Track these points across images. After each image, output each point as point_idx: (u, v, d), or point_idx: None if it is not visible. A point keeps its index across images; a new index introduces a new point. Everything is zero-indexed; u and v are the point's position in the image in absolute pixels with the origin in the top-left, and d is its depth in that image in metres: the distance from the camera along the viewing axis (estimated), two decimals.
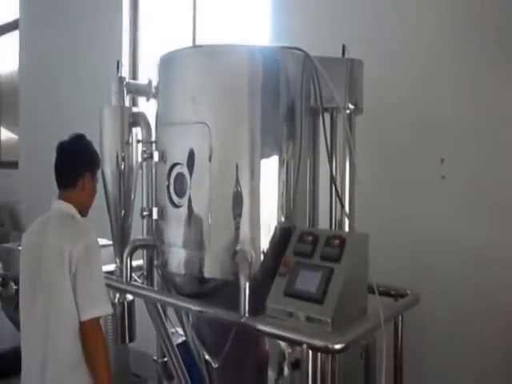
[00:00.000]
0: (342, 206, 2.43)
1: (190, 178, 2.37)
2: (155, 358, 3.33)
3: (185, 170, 2.39)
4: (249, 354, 2.64)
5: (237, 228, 2.33)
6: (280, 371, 2.56)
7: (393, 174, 3.16)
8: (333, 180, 2.43)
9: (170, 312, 3.05)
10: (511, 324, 2.82)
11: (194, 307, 2.38)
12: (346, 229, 2.48)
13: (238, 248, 2.33)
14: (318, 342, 2.00)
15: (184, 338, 3.23)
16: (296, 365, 2.28)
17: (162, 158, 2.49)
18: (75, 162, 2.54)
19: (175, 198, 2.45)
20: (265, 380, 2.61)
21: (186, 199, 2.39)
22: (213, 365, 2.69)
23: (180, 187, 2.43)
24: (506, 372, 2.85)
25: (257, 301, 2.23)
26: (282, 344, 2.51)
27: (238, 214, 2.33)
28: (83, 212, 2.58)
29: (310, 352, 2.05)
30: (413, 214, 3.08)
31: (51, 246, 2.39)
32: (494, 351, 2.88)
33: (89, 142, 2.61)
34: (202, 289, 2.44)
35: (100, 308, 2.41)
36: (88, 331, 2.36)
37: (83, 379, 2.39)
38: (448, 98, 3.02)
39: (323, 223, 2.58)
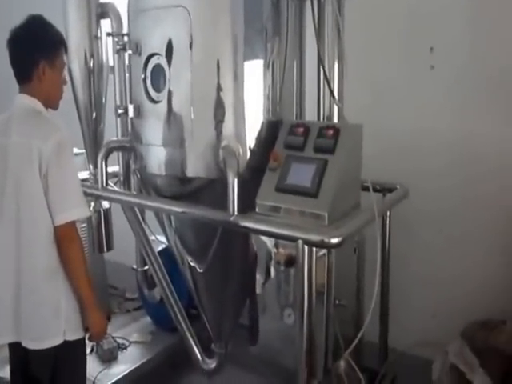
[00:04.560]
0: (332, 93, 2.29)
1: (169, 69, 2.17)
2: (135, 266, 3.25)
3: (163, 61, 2.19)
4: (235, 257, 2.56)
5: (221, 123, 2.18)
6: (267, 272, 2.50)
7: (382, 64, 3.01)
8: (321, 62, 2.27)
9: (148, 219, 2.95)
10: (498, 216, 2.82)
11: (179, 209, 2.25)
12: None
13: (223, 144, 2.19)
14: (314, 237, 1.91)
15: (163, 246, 3.15)
16: (289, 262, 2.21)
17: (137, 49, 2.27)
18: (26, 51, 2.21)
19: (153, 93, 2.26)
20: (252, 281, 2.56)
21: (165, 93, 2.21)
22: (198, 270, 2.60)
23: (158, 80, 2.23)
24: (492, 261, 2.87)
25: (244, 201, 2.10)
26: (269, 244, 2.45)
27: (221, 108, 2.17)
28: (51, 106, 2.29)
29: (306, 248, 1.97)
30: (402, 105, 2.97)
31: (17, 144, 2.13)
32: (481, 243, 2.89)
33: (42, 25, 2.25)
34: (185, 189, 2.31)
35: (76, 210, 2.18)
36: (64, 237, 2.15)
37: (60, 289, 2.20)
38: None
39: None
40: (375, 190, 2.47)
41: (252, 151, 2.24)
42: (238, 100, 2.19)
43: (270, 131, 2.27)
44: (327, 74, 2.27)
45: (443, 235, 2.96)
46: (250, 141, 2.24)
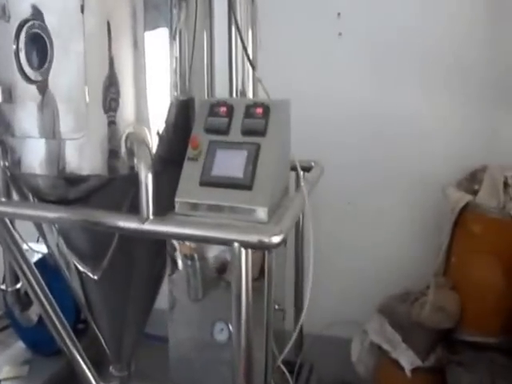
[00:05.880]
0: (251, 63, 1.99)
1: (51, 39, 1.69)
2: (3, 287, 2.68)
3: (42, 29, 1.69)
4: (139, 256, 2.15)
5: (123, 107, 1.76)
6: (174, 265, 2.15)
7: (289, 31, 2.81)
8: (237, 29, 1.94)
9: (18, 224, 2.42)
10: (410, 190, 2.81)
11: (74, 216, 1.78)
12: None
13: (128, 131, 1.78)
14: (252, 238, 1.60)
15: (39, 256, 2.65)
16: (221, 269, 1.86)
17: (4, 13, 1.74)
18: None
19: (29, 70, 1.75)
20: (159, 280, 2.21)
21: (46, 70, 1.72)
22: (91, 277, 2.15)
23: (36, 54, 1.73)
24: (405, 234, 2.88)
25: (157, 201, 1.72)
26: None
27: (122, 88, 1.75)
28: None
29: (243, 250, 1.65)
30: (311, 73, 2.81)
31: None
32: (394, 215, 2.88)
33: None
34: (76, 191, 1.86)
35: None
36: None
37: None
38: None
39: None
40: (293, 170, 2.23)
41: (161, 138, 1.86)
42: (141, 77, 1.78)
43: (181, 113, 1.91)
44: (244, 42, 1.95)
45: (353, 209, 2.91)
46: (158, 126, 1.85)
